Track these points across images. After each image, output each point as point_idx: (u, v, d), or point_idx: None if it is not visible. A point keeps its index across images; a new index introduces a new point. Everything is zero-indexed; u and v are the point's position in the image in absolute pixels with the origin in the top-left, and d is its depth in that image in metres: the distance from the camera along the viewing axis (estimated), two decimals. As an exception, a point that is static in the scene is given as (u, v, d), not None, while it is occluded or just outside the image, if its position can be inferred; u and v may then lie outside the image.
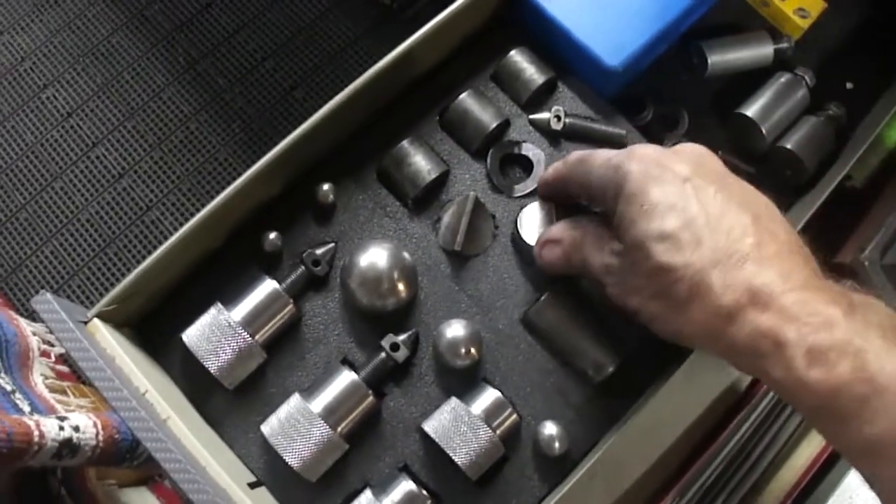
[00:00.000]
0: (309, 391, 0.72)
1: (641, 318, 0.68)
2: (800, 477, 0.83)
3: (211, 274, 0.77)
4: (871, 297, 0.62)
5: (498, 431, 0.72)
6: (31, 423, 0.86)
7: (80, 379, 1.43)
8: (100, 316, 0.71)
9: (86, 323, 0.70)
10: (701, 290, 0.60)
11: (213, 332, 0.72)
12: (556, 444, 0.73)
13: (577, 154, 0.73)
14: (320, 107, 0.74)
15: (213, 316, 0.72)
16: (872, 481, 0.58)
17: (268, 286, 0.74)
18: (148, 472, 1.37)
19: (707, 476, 0.82)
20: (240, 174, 0.72)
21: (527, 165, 0.82)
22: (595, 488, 0.72)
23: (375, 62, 0.76)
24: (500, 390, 0.74)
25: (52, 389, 1.24)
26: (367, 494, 0.71)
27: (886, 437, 0.54)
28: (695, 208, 0.62)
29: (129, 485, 1.33)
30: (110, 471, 1.22)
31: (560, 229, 0.74)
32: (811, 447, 0.85)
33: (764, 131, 0.89)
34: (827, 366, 0.55)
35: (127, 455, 1.01)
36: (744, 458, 0.84)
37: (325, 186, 0.78)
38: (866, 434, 0.55)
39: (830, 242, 0.99)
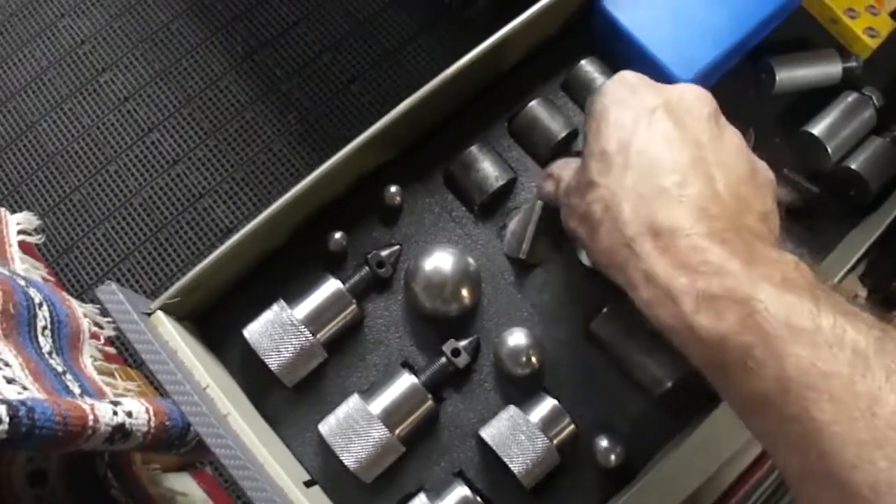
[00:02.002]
0: (368, 392, 0.72)
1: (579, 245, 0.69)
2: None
3: (274, 271, 0.78)
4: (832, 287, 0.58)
5: (555, 441, 0.72)
6: (87, 408, 0.87)
7: (127, 362, 1.44)
8: (163, 308, 0.71)
9: (149, 315, 0.71)
10: (611, 214, 0.59)
11: (276, 329, 0.72)
12: (612, 457, 0.73)
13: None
14: (376, 102, 0.74)
15: (276, 313, 0.72)
16: (762, 437, 0.55)
17: (332, 285, 0.74)
18: (191, 458, 1.37)
19: (761, 493, 0.82)
20: (293, 165, 0.73)
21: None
22: (649, 503, 0.72)
23: (432, 59, 0.76)
24: (559, 400, 0.74)
25: (100, 371, 1.24)
26: (422, 498, 0.71)
27: (772, 387, 0.51)
28: (640, 136, 0.61)
29: (171, 470, 1.34)
30: (154, 456, 1.23)
31: (558, 164, 0.74)
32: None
33: (829, 150, 0.88)
34: (715, 314, 0.53)
35: (176, 442, 1.02)
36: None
37: (393, 188, 0.78)
38: (753, 386, 0.52)
39: (891, 266, 0.98)
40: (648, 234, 0.57)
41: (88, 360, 1.24)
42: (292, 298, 0.73)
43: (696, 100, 0.64)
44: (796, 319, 0.51)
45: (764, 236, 0.60)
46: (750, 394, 0.53)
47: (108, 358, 1.32)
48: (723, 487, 0.83)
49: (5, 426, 0.75)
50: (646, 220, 0.58)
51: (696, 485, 0.78)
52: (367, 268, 0.76)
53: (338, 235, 0.76)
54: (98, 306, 1.29)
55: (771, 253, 0.56)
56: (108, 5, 1.85)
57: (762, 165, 0.66)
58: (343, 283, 0.74)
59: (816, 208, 0.88)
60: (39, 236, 1.36)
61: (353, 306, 0.74)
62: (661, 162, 0.60)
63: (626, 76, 0.66)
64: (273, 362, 0.72)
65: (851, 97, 0.92)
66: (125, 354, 1.52)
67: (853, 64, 0.93)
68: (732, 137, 0.64)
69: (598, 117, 0.64)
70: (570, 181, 0.67)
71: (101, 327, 1.31)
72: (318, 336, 0.73)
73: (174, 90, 1.78)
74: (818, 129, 0.89)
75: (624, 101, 0.63)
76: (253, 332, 0.72)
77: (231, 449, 0.64)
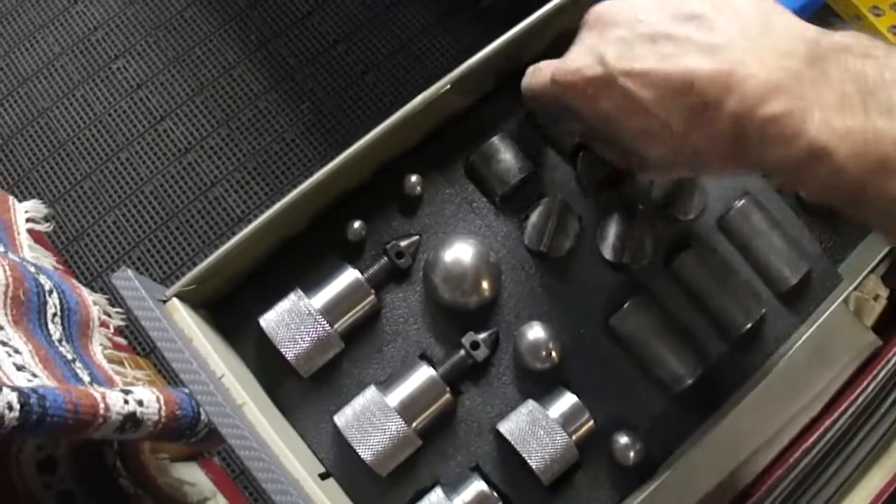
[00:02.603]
0: (385, 384, 0.72)
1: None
2: (873, 499, 0.82)
3: (291, 260, 0.77)
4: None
5: (574, 437, 0.71)
6: (98, 396, 0.86)
7: (136, 351, 1.44)
8: (178, 296, 0.70)
9: (164, 302, 0.70)
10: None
11: (292, 319, 0.71)
12: (631, 454, 0.72)
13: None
14: (390, 93, 0.74)
15: (293, 302, 0.72)
16: None
17: (350, 275, 0.73)
18: (199, 448, 1.37)
19: (779, 493, 0.81)
20: (307, 156, 0.72)
21: (616, 170, 0.80)
22: (666, 500, 0.71)
23: (447, 51, 0.75)
24: (578, 395, 0.73)
25: (110, 360, 1.24)
26: (438, 492, 0.70)
27: None
28: None
29: (179, 459, 1.33)
30: (163, 445, 1.23)
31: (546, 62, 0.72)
32: (883, 471, 0.83)
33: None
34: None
35: (186, 431, 1.01)
36: (816, 477, 0.82)
37: (413, 178, 0.77)
38: None
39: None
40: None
41: (98, 349, 1.24)
42: (310, 288, 0.73)
43: None
44: None
45: None
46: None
47: (117, 347, 1.31)
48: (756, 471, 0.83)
49: (16, 413, 0.74)
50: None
51: (714, 483, 0.77)
52: (385, 258, 0.75)
53: (357, 225, 0.75)
54: (107, 295, 1.29)
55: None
56: (122, -8, 1.85)
57: None
58: (361, 272, 0.73)
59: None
60: (48, 224, 1.36)
61: (371, 297, 0.73)
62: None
63: None
64: (289, 352, 0.71)
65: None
66: (134, 343, 1.51)
67: (878, 61, 0.92)
68: None
69: None
70: (609, 50, 0.62)
71: (110, 316, 1.30)
72: (336, 326, 0.72)
73: (187, 78, 1.77)
74: (843, 126, 0.88)
75: None
76: (269, 321, 0.71)
77: (247, 440, 0.63)
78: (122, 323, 1.32)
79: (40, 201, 1.36)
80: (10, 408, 0.74)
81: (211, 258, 0.70)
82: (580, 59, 0.63)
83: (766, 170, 0.59)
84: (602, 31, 0.63)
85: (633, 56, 0.59)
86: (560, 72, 0.65)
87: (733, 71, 0.55)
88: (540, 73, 0.71)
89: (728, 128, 0.56)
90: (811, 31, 0.57)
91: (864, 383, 0.82)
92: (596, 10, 0.65)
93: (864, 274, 0.79)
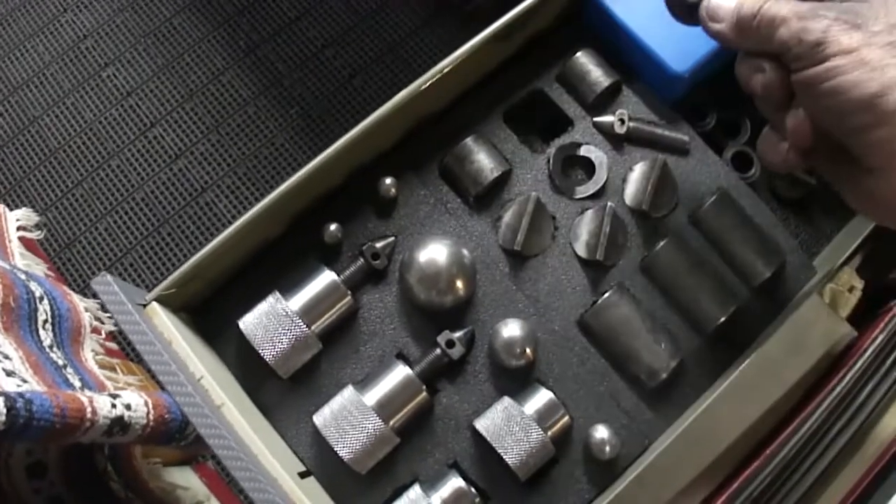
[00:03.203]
0: (363, 384, 0.73)
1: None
2: (851, 488, 0.83)
3: (269, 262, 0.78)
4: None
5: (549, 432, 0.72)
6: (85, 400, 0.87)
7: (128, 357, 1.44)
8: (158, 300, 0.71)
9: (144, 306, 0.71)
10: None
11: (270, 321, 0.72)
12: (607, 448, 0.73)
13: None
14: (379, 97, 0.75)
15: (271, 304, 0.73)
16: None
17: (326, 277, 0.74)
18: (192, 452, 1.38)
19: (756, 485, 0.82)
20: (296, 160, 0.73)
21: (588, 167, 0.81)
22: (643, 494, 0.72)
23: (435, 54, 0.76)
24: (553, 392, 0.74)
25: (101, 366, 1.25)
26: (416, 489, 0.71)
27: None
28: None
29: (172, 464, 1.34)
30: (155, 449, 1.23)
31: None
32: (859, 463, 0.84)
33: (828, 142, 0.88)
34: None
35: (176, 435, 1.02)
36: (795, 468, 0.83)
37: (388, 180, 0.78)
38: None
39: (888, 258, 0.97)
40: None
41: (90, 354, 1.24)
42: (287, 290, 0.74)
43: None
44: None
45: None
46: None
47: (109, 352, 1.32)
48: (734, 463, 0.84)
49: (2, 418, 0.75)
50: None
51: (691, 475, 0.78)
52: (361, 259, 0.76)
53: (333, 227, 0.76)
54: (99, 302, 1.30)
55: None
56: (111, 0, 1.85)
57: None
58: (338, 274, 0.74)
59: (813, 200, 0.88)
60: (39, 232, 1.37)
61: (348, 298, 0.74)
62: None
63: None
64: (268, 353, 0.72)
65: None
66: (127, 349, 1.52)
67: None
68: None
69: None
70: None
71: (102, 322, 1.31)
72: (313, 327, 0.73)
73: (177, 85, 1.78)
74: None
75: None
76: (248, 323, 0.72)
77: (225, 439, 0.64)
78: (114, 328, 1.32)
79: (31, 209, 1.37)
80: (-3, 412, 0.75)
81: (190, 262, 0.71)
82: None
83: None
84: None
85: None
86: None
87: None
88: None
89: None
90: None
91: (841, 374, 0.83)
92: None
93: (837, 265, 0.80)
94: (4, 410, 0.76)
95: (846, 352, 0.86)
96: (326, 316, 0.74)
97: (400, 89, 0.74)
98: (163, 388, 0.66)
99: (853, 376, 0.83)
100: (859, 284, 0.91)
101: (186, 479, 1.37)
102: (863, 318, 0.89)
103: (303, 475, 0.71)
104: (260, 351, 0.72)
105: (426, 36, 1.77)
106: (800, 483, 0.82)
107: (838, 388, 0.83)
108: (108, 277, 0.68)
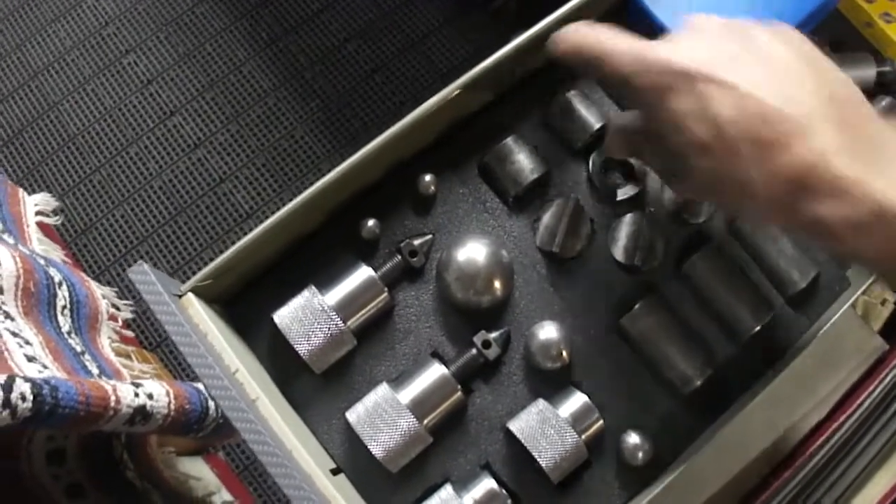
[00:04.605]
0: (397, 382, 0.72)
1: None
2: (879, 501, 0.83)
3: (305, 257, 0.77)
4: None
5: (583, 436, 0.71)
6: (109, 388, 0.87)
7: (143, 345, 1.44)
8: (193, 291, 0.71)
9: (180, 297, 0.70)
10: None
11: (306, 315, 0.72)
12: (640, 454, 0.72)
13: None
14: (400, 92, 0.74)
15: (307, 298, 0.72)
16: None
17: (363, 273, 0.73)
18: (205, 443, 1.38)
19: (784, 495, 0.81)
20: (315, 153, 0.73)
21: (628, 171, 0.81)
22: (674, 500, 0.72)
23: (457, 50, 0.76)
24: (588, 395, 0.74)
25: (117, 353, 1.25)
26: (448, 489, 0.71)
27: None
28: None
29: (185, 454, 1.34)
30: (170, 439, 1.23)
31: None
32: (889, 474, 0.84)
33: (863, 154, 0.87)
34: None
35: (195, 426, 1.02)
36: (822, 479, 0.83)
37: (427, 177, 0.77)
38: None
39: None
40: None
41: (106, 341, 1.24)
42: (323, 285, 0.73)
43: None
44: None
45: None
46: None
47: (124, 340, 1.32)
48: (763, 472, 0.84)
49: (29, 404, 0.75)
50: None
51: (721, 484, 0.78)
52: (399, 256, 0.76)
53: (371, 223, 0.76)
54: (115, 289, 1.29)
55: None
56: (134, -13, 1.85)
57: None
58: (375, 270, 0.74)
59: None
60: (57, 217, 1.37)
61: (385, 294, 0.74)
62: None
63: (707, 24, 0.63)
64: (302, 348, 0.71)
65: (885, 101, 0.91)
66: (141, 338, 1.52)
67: (888, 68, 0.92)
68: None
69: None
70: (703, 53, 0.60)
71: (118, 309, 1.31)
72: (349, 323, 0.72)
73: (197, 74, 1.78)
74: (853, 132, 0.89)
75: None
76: (283, 317, 0.72)
77: (261, 434, 0.64)
78: (130, 316, 1.32)
79: (50, 194, 1.37)
80: (24, 398, 0.75)
81: (227, 253, 0.71)
82: (669, 49, 0.61)
83: (815, 229, 0.57)
84: (702, 35, 0.61)
85: (727, 67, 0.58)
86: (643, 53, 0.62)
87: (818, 116, 0.56)
88: (602, 37, 0.67)
89: (793, 171, 0.55)
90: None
91: (871, 387, 0.83)
92: (703, 17, 0.63)
93: (871, 278, 0.79)
94: (31, 397, 0.76)
95: (878, 364, 0.86)
96: (362, 312, 0.73)
97: (421, 85, 0.74)
98: (183, 379, 0.66)
99: (884, 388, 0.83)
100: (891, 297, 0.91)
101: (198, 469, 1.37)
102: (894, 331, 0.89)
103: (334, 472, 0.71)
104: (294, 345, 0.71)
105: (449, 32, 1.76)
106: (829, 493, 0.82)
107: (869, 401, 0.83)
108: (146, 267, 0.68)
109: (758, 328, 0.77)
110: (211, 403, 1.04)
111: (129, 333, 1.40)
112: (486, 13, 1.74)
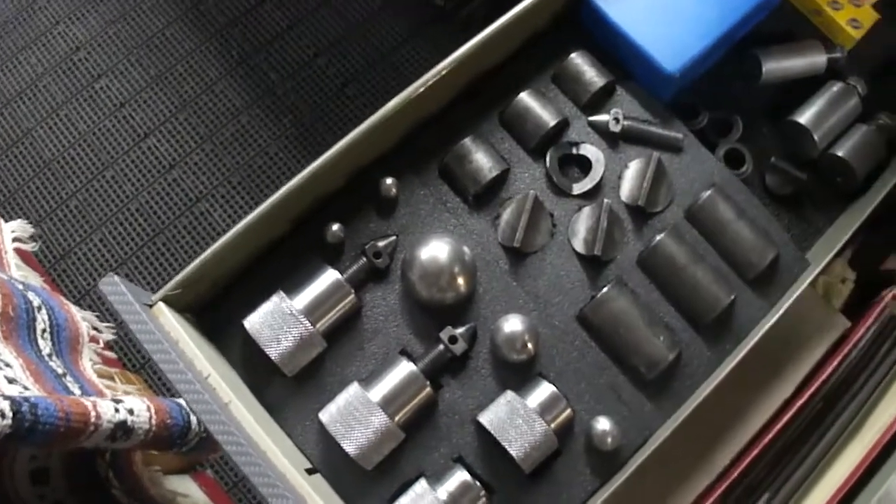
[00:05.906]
0: (367, 380, 0.73)
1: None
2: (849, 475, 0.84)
3: (273, 263, 0.78)
4: None
5: (552, 425, 0.73)
6: (89, 404, 0.87)
7: (126, 367, 1.45)
8: (164, 300, 0.72)
9: (150, 306, 0.72)
10: None
11: (275, 320, 0.73)
12: (609, 440, 0.74)
13: None
14: (372, 105, 0.75)
15: (276, 304, 0.73)
16: None
17: (330, 276, 0.75)
18: (192, 459, 1.38)
19: (756, 473, 0.83)
20: (290, 169, 0.74)
21: (585, 165, 0.82)
22: (645, 483, 0.73)
23: (427, 61, 0.77)
24: (555, 385, 0.75)
25: (100, 375, 1.25)
26: (422, 483, 0.72)
27: None
28: None
29: (172, 472, 1.34)
30: (156, 457, 1.24)
31: None
32: (859, 447, 0.85)
33: (816, 139, 0.89)
34: None
35: (178, 440, 1.03)
36: (791, 456, 0.84)
37: (389, 180, 0.79)
38: None
39: (878, 250, 0.99)
40: None
41: (88, 364, 1.25)
42: (291, 289, 0.74)
43: None
44: None
45: None
46: None
47: (107, 362, 1.32)
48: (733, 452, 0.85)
49: (8, 421, 0.76)
50: None
51: (691, 464, 0.79)
52: (364, 258, 0.77)
53: (335, 227, 0.77)
54: (97, 312, 1.30)
55: None
56: (103, 12, 1.85)
57: None
58: (341, 273, 0.75)
59: (804, 195, 0.89)
60: (34, 244, 1.37)
61: (352, 296, 0.75)
62: None
63: None
64: (273, 352, 0.73)
65: (836, 87, 0.93)
66: (125, 360, 1.53)
67: (837, 55, 0.94)
68: None
69: None
70: None
71: (100, 331, 1.31)
72: (318, 326, 0.74)
73: (169, 95, 1.78)
74: (804, 118, 0.90)
75: None
76: (253, 322, 0.73)
77: (234, 436, 0.65)
78: (112, 337, 1.33)
79: (26, 221, 1.37)
80: (3, 416, 0.75)
81: (195, 263, 0.72)
82: None
83: None
84: None
85: None
86: None
87: None
88: None
89: None
90: None
91: (835, 363, 0.84)
92: None
93: (829, 257, 0.81)
94: (11, 414, 0.76)
95: (840, 341, 0.87)
96: (331, 314, 0.75)
97: (393, 97, 0.75)
98: (168, 390, 0.67)
99: (848, 364, 0.85)
100: (851, 276, 0.93)
101: (186, 487, 1.37)
102: (855, 308, 0.90)
103: (310, 472, 0.72)
104: (265, 349, 0.73)
105: (418, 44, 1.77)
106: (798, 470, 0.83)
107: (834, 377, 0.84)
108: (115, 278, 0.69)
109: (719, 311, 0.78)
110: (193, 418, 1.05)
111: (112, 355, 1.40)
112: (453, 22, 1.75)
